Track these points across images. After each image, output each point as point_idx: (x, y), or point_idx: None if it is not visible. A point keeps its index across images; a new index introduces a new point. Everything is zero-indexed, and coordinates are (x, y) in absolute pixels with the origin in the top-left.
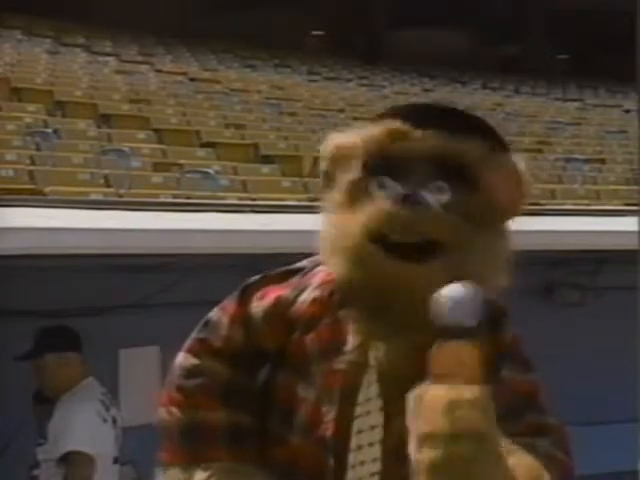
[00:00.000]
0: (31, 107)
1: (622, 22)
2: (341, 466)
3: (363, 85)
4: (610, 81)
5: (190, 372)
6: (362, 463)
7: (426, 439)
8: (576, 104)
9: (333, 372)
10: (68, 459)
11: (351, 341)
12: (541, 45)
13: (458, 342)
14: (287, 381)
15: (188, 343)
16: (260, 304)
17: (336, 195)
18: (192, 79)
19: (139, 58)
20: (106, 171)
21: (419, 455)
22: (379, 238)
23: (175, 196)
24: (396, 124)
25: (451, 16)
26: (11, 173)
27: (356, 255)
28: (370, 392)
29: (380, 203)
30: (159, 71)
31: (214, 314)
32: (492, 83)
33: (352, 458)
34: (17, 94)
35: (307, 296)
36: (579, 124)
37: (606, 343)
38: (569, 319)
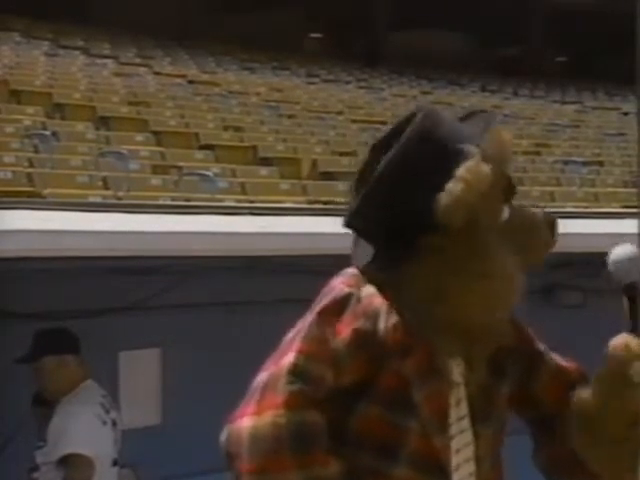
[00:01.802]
0: (30, 109)
1: (621, 25)
2: None
3: (362, 87)
4: (608, 84)
5: (297, 430)
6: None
7: None
8: (574, 106)
9: (433, 396)
10: (67, 461)
11: (442, 361)
12: (540, 48)
13: None
14: (381, 413)
15: (282, 397)
16: (338, 339)
17: (489, 230)
18: (191, 81)
19: (138, 60)
20: (105, 173)
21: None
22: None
23: (174, 198)
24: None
25: (450, 19)
26: (9, 175)
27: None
28: (461, 410)
29: (538, 233)
30: (158, 73)
31: (300, 360)
32: (491, 85)
33: (456, 478)
34: (16, 96)
35: (386, 323)
36: (577, 127)
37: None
38: (569, 321)
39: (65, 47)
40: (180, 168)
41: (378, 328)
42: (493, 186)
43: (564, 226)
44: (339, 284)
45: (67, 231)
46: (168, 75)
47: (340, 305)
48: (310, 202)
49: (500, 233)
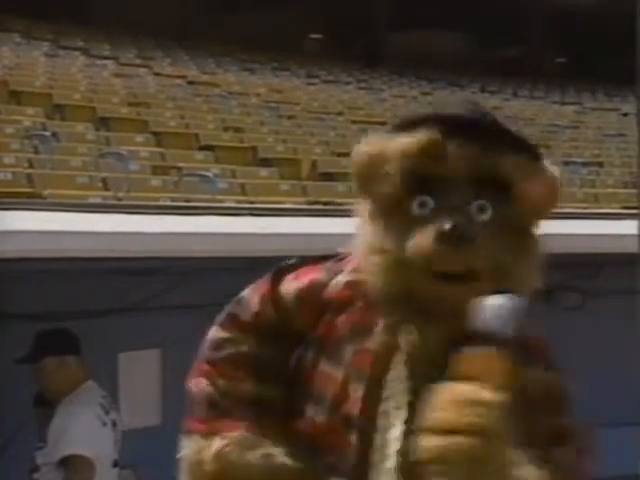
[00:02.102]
0: (30, 110)
1: (620, 25)
2: (364, 445)
3: (362, 88)
4: (608, 84)
5: (219, 344)
6: (386, 444)
7: (433, 428)
8: (574, 107)
9: (363, 352)
10: (67, 462)
11: (382, 323)
12: (539, 48)
13: (489, 349)
14: (315, 361)
15: (219, 318)
16: (293, 285)
17: (371, 205)
18: (191, 82)
19: (138, 61)
20: (104, 174)
21: (423, 443)
22: (424, 267)
23: (174, 199)
24: (433, 138)
25: (450, 19)
26: (9, 176)
27: (395, 274)
28: (398, 374)
29: (425, 237)
30: (158, 74)
31: (246, 292)
32: (490, 86)
33: (378, 439)
34: (16, 97)
35: (340, 280)
36: (577, 127)
37: (606, 346)
38: (568, 322)
39: (65, 48)
40: (180, 169)
41: (331, 282)
42: (391, 172)
43: (564, 227)
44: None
45: (67, 232)
46: (168, 76)
47: (319, 259)
48: (310, 203)
49: (406, 225)
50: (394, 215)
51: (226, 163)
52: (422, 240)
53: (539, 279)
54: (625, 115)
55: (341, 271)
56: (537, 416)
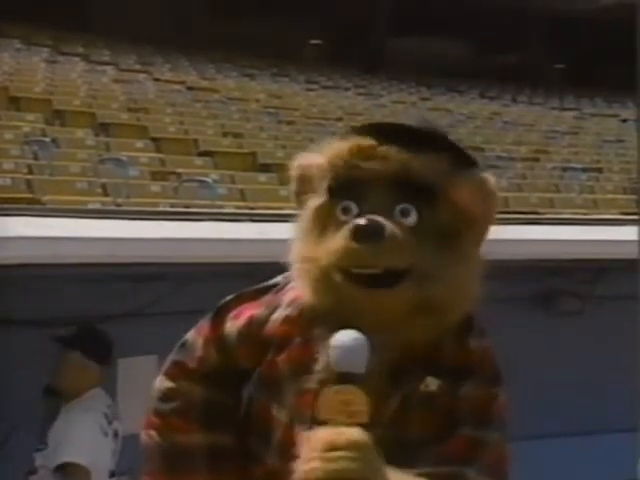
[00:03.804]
0: (29, 116)
1: (619, 32)
2: None
3: (361, 94)
4: (607, 90)
5: (166, 395)
6: None
7: None
8: (573, 113)
9: (304, 392)
10: (65, 470)
11: (321, 360)
12: (538, 54)
13: (348, 388)
14: (262, 401)
15: (165, 366)
16: (234, 324)
17: (303, 218)
18: (190, 88)
19: (137, 67)
20: (104, 180)
21: None
22: (343, 270)
23: (173, 205)
24: (360, 142)
25: (449, 25)
26: (9, 182)
27: (322, 283)
28: None
29: (340, 236)
30: (157, 80)
31: (190, 336)
32: (490, 92)
33: None
34: (15, 103)
35: (279, 315)
36: (576, 133)
37: (605, 351)
38: (568, 327)
39: (65, 54)
40: (179, 174)
41: (270, 318)
42: (317, 180)
43: (563, 233)
44: (281, 275)
45: (66, 238)
46: (168, 81)
47: (258, 292)
48: None
49: (331, 232)
50: (323, 224)
51: (225, 169)
52: (336, 240)
53: (477, 287)
54: (624, 121)
55: (278, 305)
56: (460, 428)
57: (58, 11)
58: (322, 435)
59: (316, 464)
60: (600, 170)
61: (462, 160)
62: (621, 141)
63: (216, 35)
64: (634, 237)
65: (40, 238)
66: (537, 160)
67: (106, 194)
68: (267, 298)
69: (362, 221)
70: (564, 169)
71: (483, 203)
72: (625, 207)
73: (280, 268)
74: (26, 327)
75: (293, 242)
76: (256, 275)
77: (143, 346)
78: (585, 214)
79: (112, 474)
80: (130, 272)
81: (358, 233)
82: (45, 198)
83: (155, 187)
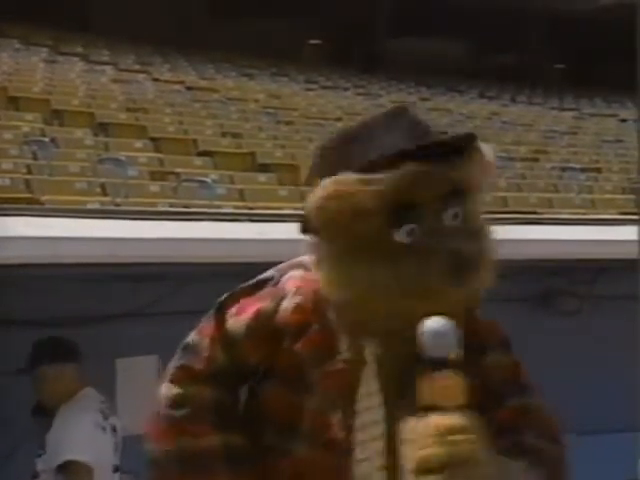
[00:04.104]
0: (28, 116)
1: (618, 32)
2: (347, 463)
3: (360, 94)
4: (606, 91)
5: (175, 402)
6: (368, 458)
7: (424, 466)
8: (572, 113)
9: (330, 374)
10: (66, 468)
11: (345, 341)
12: (538, 54)
13: (446, 373)
14: (280, 392)
15: (169, 372)
16: (239, 319)
17: (336, 243)
18: (189, 88)
19: (136, 67)
20: (103, 180)
21: None
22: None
23: (172, 205)
24: (419, 170)
25: (448, 25)
26: (8, 182)
27: (385, 303)
28: (370, 388)
29: (429, 276)
30: (156, 80)
31: (192, 338)
32: (489, 92)
33: (358, 454)
34: (14, 103)
35: (288, 304)
36: (575, 133)
37: (604, 351)
38: (567, 327)
39: (64, 54)
40: (178, 174)
41: (280, 308)
42: (371, 208)
43: (562, 233)
44: (272, 269)
45: (65, 238)
46: (167, 81)
47: (255, 287)
48: None
49: (393, 255)
50: (379, 250)
51: (224, 169)
52: (424, 275)
53: (493, 278)
54: (623, 121)
55: (284, 295)
56: (504, 399)
57: (57, 11)
58: (436, 420)
59: (436, 449)
60: (599, 170)
61: (472, 149)
62: (620, 141)
63: (215, 35)
64: (633, 237)
65: (39, 238)
66: (536, 160)
67: (105, 194)
68: (267, 291)
69: (428, 232)
70: (563, 169)
71: (489, 173)
72: (624, 207)
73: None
74: (26, 327)
75: (319, 268)
76: (255, 275)
77: (142, 346)
78: (584, 214)
79: (116, 469)
80: (129, 272)
81: (454, 274)
82: (44, 198)
83: (154, 187)
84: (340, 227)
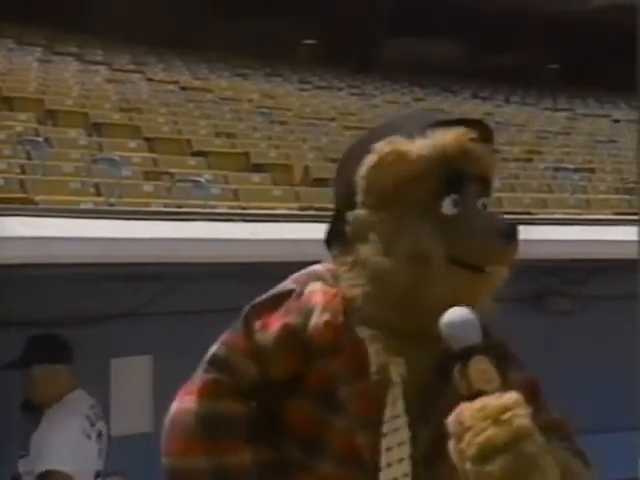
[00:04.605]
0: (22, 116)
1: (613, 33)
2: None
3: (354, 94)
4: (600, 91)
5: (206, 418)
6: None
7: (488, 450)
8: (566, 114)
9: (360, 394)
10: (46, 477)
11: (374, 361)
12: (531, 55)
13: (480, 357)
14: (308, 408)
15: (197, 385)
16: (266, 334)
17: (389, 212)
18: (183, 88)
19: (131, 67)
20: (97, 180)
21: (488, 468)
22: (471, 265)
23: (166, 205)
24: (472, 136)
25: (443, 26)
26: (1, 182)
27: (433, 275)
28: (396, 409)
29: (487, 236)
30: (150, 80)
31: (219, 351)
32: (482, 92)
33: (383, 476)
34: (8, 103)
35: (317, 321)
36: (569, 134)
37: (597, 351)
38: (559, 328)
39: (58, 53)
40: (172, 174)
41: (309, 325)
42: (423, 171)
43: (555, 233)
44: (289, 280)
45: (59, 238)
46: (161, 81)
47: (277, 300)
48: (303, 208)
49: (440, 224)
50: (423, 217)
51: (218, 169)
52: (483, 240)
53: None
54: (616, 121)
55: (310, 309)
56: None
57: (51, 11)
58: (486, 403)
59: (496, 429)
60: (592, 170)
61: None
62: (613, 141)
63: (209, 35)
64: (627, 237)
65: (32, 238)
66: (530, 160)
67: (99, 194)
68: (291, 305)
69: (505, 223)
70: (557, 169)
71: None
72: (618, 207)
73: (273, 268)
74: (18, 327)
75: (369, 235)
76: (249, 275)
77: (136, 346)
78: (578, 214)
79: (97, 475)
80: (122, 272)
81: (509, 235)
82: (38, 198)
83: (148, 187)
84: (390, 193)
